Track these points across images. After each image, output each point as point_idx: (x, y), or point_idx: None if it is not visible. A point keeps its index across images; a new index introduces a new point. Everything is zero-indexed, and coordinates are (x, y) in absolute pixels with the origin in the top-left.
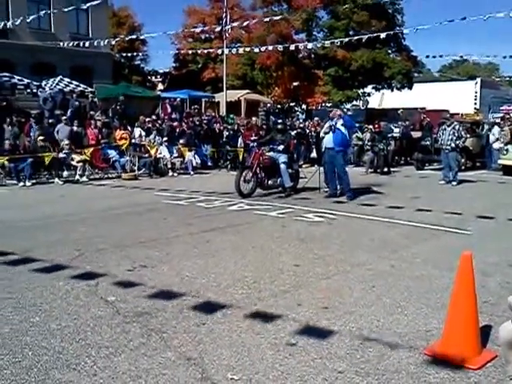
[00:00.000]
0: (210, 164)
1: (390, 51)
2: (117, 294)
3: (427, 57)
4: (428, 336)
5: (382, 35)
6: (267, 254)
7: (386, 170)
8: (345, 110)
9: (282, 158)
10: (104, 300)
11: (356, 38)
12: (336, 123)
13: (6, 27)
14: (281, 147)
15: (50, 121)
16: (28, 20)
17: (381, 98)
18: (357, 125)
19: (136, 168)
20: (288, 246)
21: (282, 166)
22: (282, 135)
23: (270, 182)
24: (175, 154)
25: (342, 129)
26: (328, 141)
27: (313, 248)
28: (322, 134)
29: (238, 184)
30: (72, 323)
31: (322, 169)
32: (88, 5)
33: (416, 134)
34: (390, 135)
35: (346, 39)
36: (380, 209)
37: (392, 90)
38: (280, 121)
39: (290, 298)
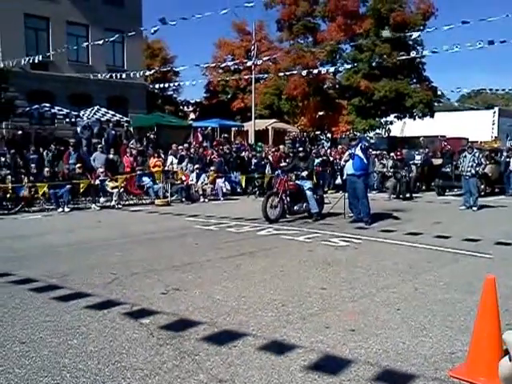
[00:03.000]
0: (239, 190)
1: (411, 82)
2: (151, 317)
3: (454, 91)
4: (453, 358)
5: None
6: (295, 277)
7: (408, 195)
8: (368, 137)
9: (307, 184)
10: (139, 323)
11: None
12: (354, 150)
13: (47, 60)
14: (305, 173)
15: (87, 149)
16: (63, 47)
17: (402, 127)
18: (371, 141)
19: (169, 194)
20: (315, 269)
21: (308, 193)
22: (304, 162)
23: (295, 207)
24: (206, 181)
25: (361, 154)
26: (348, 167)
27: (339, 272)
28: (342, 163)
29: (264, 210)
30: (108, 345)
31: (346, 195)
32: (126, 38)
33: (437, 161)
34: (411, 162)
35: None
36: (403, 233)
37: (414, 119)
38: (301, 148)
39: (317, 320)
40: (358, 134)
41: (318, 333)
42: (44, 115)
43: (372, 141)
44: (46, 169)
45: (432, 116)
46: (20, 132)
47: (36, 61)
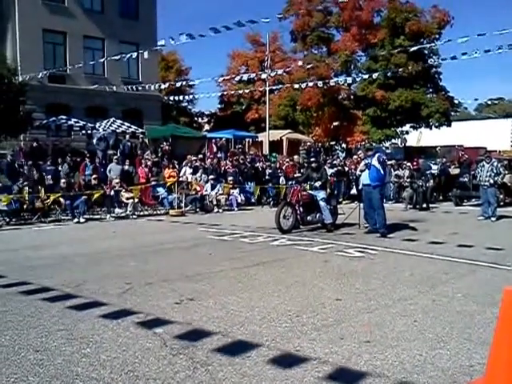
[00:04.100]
0: (253, 201)
1: (427, 91)
2: (164, 327)
3: (471, 100)
4: (471, 371)
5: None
6: (309, 288)
7: (424, 206)
8: (383, 147)
9: (321, 195)
10: (152, 332)
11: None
12: (371, 160)
13: (63, 73)
14: (318, 184)
15: (103, 160)
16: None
17: (418, 136)
18: (388, 151)
19: (183, 205)
20: (330, 280)
21: (322, 203)
22: (317, 172)
23: (309, 217)
24: (220, 192)
25: (377, 165)
26: (364, 178)
27: (354, 283)
28: (358, 172)
29: (278, 220)
30: (121, 355)
31: (362, 205)
32: (145, 55)
33: (454, 171)
34: (428, 172)
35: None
36: (420, 244)
37: (430, 129)
38: (313, 159)
39: (332, 331)
40: (374, 144)
41: (333, 344)
42: (61, 127)
43: (388, 151)
44: (63, 180)
45: (449, 125)
46: (35, 144)
47: (53, 74)
